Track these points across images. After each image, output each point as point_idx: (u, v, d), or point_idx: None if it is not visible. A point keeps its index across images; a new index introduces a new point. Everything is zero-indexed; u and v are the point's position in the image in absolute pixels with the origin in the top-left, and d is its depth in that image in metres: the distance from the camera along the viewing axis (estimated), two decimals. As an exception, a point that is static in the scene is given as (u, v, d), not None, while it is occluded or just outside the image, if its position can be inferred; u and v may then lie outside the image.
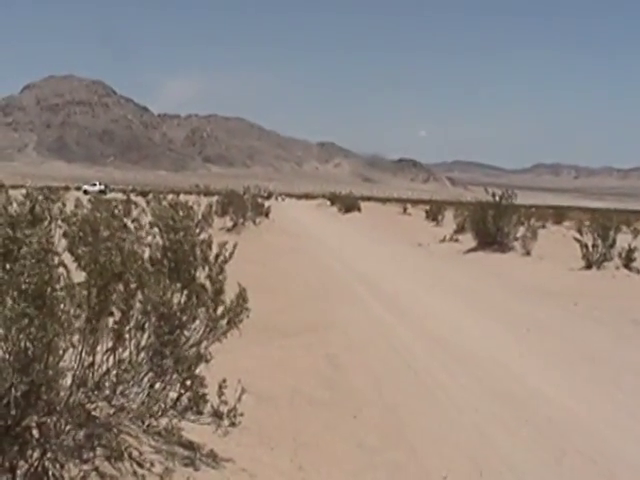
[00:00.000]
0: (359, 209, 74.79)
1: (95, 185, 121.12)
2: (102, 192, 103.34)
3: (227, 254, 5.83)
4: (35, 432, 4.76)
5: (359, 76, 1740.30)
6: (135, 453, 5.32)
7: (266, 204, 50.94)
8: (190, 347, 5.56)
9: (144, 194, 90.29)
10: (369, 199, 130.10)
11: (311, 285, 18.17)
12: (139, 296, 5.29)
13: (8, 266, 4.38)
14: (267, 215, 47.48)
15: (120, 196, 74.66)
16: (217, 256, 5.71)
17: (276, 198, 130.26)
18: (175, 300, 5.47)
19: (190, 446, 5.93)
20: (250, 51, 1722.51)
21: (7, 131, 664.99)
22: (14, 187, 59.70)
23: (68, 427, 4.82)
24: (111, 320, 5.15)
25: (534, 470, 7.04)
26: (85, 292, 4.65)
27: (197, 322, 5.67)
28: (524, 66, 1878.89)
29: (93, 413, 5.21)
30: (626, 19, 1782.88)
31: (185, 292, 5.54)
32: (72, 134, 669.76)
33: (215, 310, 5.64)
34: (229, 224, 37.07)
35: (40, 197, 4.92)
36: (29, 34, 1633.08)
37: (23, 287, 4.24)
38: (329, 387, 9.16)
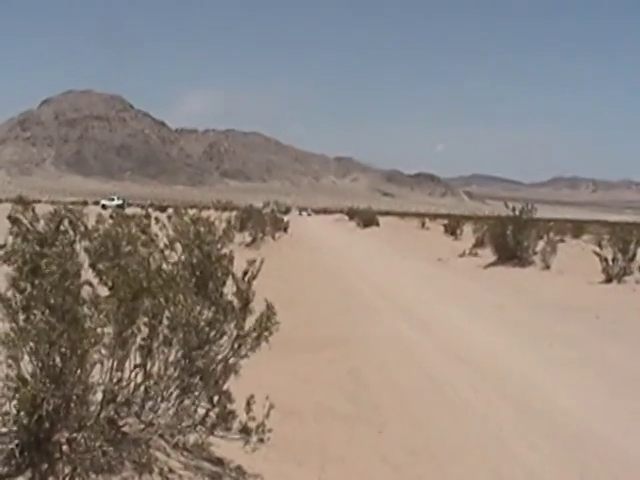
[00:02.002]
0: (377, 224, 74.78)
1: (113, 200, 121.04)
2: (120, 207, 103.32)
3: (255, 270, 5.82)
4: (65, 448, 4.78)
5: (377, 92, 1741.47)
6: (165, 469, 5.33)
7: (285, 219, 51.00)
8: (218, 362, 5.56)
9: (162, 209, 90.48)
10: (387, 214, 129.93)
11: (332, 300, 18.15)
12: (166, 312, 5.30)
13: (37, 282, 4.40)
14: (285, 230, 47.57)
15: (139, 211, 74.83)
16: (245, 272, 5.71)
17: (300, 213, 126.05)
18: (202, 316, 5.47)
19: (218, 462, 5.93)
20: (267, 66, 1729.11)
21: (25, 146, 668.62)
22: (34, 202, 59.93)
23: (98, 443, 4.83)
24: (139, 336, 5.16)
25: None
26: (113, 306, 4.66)
27: (225, 338, 5.67)
28: (540, 80, 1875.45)
29: (123, 429, 5.22)
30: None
31: (212, 308, 5.53)
32: (90, 148, 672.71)
33: (242, 325, 5.64)
34: (248, 239, 37.09)
35: (65, 213, 4.94)
36: (47, 49, 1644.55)
37: (51, 302, 4.26)
38: (353, 402, 9.15)
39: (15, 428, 4.86)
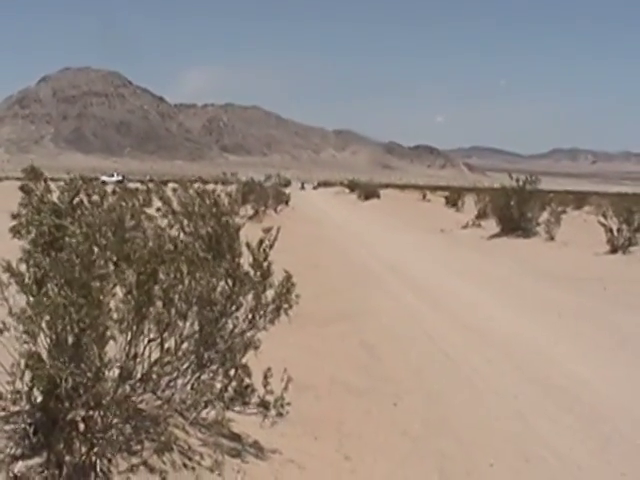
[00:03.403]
0: (378, 196, 74.56)
1: (113, 176, 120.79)
2: (120, 182, 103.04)
3: (271, 239, 5.67)
4: (81, 426, 4.65)
5: (375, 63, 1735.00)
6: (184, 446, 5.22)
7: (286, 192, 50.87)
8: (237, 336, 5.43)
9: (163, 183, 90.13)
10: (387, 186, 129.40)
11: (339, 273, 18.05)
12: (181, 285, 5.15)
13: (53, 254, 4.25)
14: (287, 203, 47.42)
15: (140, 186, 74.57)
16: (261, 242, 5.56)
17: (302, 186, 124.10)
18: (219, 288, 5.34)
19: (236, 437, 5.82)
20: (266, 40, 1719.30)
21: (24, 123, 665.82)
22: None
23: (115, 421, 4.70)
24: (153, 310, 5.01)
25: (578, 456, 6.91)
26: (133, 280, 4.50)
27: (242, 310, 5.54)
28: (539, 51, 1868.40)
29: (139, 406, 5.09)
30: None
31: (229, 280, 5.39)
32: (89, 125, 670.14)
33: (260, 297, 5.50)
34: (250, 212, 36.89)
35: (82, 185, 4.77)
36: (45, 26, 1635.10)
37: (71, 276, 4.12)
38: (367, 375, 9.06)
39: (28, 407, 4.73)
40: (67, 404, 4.38)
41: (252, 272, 5.50)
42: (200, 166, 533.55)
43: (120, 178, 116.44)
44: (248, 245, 5.56)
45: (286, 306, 5.62)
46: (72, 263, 4.06)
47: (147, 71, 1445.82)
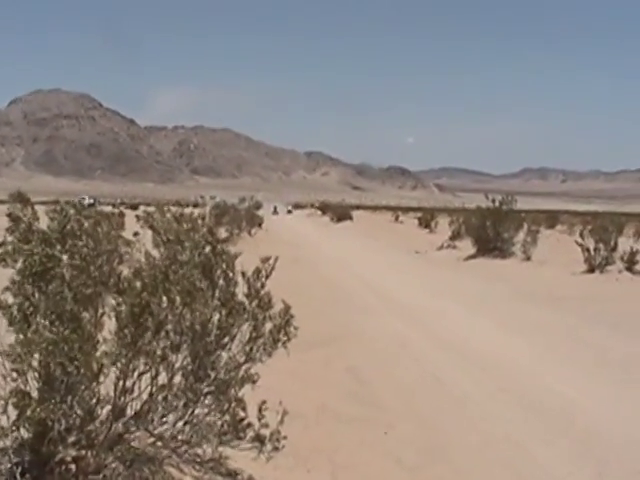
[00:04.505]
0: (351, 218, 74.66)
1: (84, 199, 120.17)
2: (92, 206, 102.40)
3: (268, 268, 5.48)
4: (72, 467, 4.42)
5: (345, 85, 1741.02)
6: (180, 487, 5.00)
7: (260, 214, 50.91)
8: (232, 369, 5.22)
9: (133, 207, 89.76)
10: (358, 207, 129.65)
11: (319, 297, 17.85)
12: (175, 316, 4.93)
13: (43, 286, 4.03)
14: (260, 225, 47.40)
15: (111, 209, 74.14)
16: (259, 271, 5.37)
17: (275, 211, 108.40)
18: (214, 318, 5.13)
19: (231, 474, 5.60)
20: (235, 63, 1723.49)
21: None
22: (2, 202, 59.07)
23: (109, 461, 4.46)
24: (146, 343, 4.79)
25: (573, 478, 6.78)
26: (127, 313, 4.27)
27: (236, 342, 5.33)
28: (509, 70, 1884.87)
29: (132, 444, 4.86)
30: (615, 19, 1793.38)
31: (223, 310, 5.18)
32: (59, 148, 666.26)
33: (259, 328, 5.30)
34: (223, 235, 36.65)
35: (72, 212, 4.55)
36: (15, 49, 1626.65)
37: (59, 309, 3.90)
38: (356, 402, 8.86)
39: (14, 445, 4.49)
40: (58, 444, 4.14)
41: (247, 302, 5.30)
42: (170, 188, 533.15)
43: (92, 201, 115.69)
44: (243, 274, 5.37)
45: (285, 338, 5.43)
46: (64, 296, 3.85)
47: (117, 93, 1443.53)
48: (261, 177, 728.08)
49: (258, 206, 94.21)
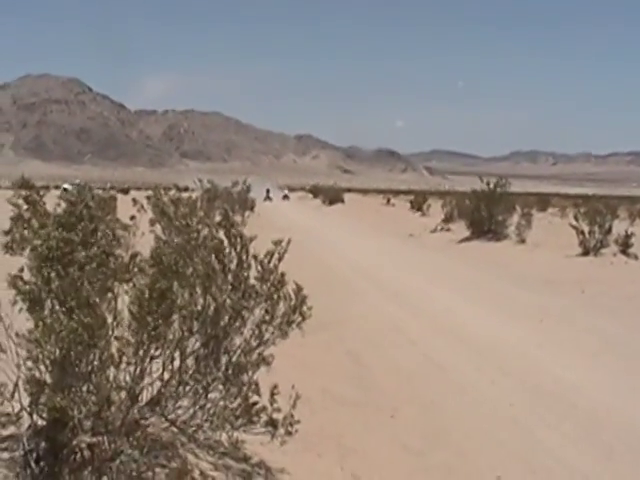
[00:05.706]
0: (343, 201, 74.56)
1: (78, 183, 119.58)
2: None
3: (281, 251, 5.47)
4: (87, 453, 4.38)
5: (335, 68, 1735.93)
6: (195, 471, 4.97)
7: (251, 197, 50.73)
8: (247, 352, 5.20)
9: (124, 191, 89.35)
10: (349, 190, 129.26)
11: (313, 281, 17.61)
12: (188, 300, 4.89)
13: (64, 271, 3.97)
14: (252, 209, 47.27)
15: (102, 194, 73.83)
16: (272, 254, 5.35)
17: (267, 195, 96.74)
18: (227, 302, 5.10)
19: (244, 458, 5.59)
20: (225, 45, 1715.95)
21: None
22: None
23: (124, 447, 4.42)
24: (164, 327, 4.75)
25: (585, 466, 6.78)
26: (147, 298, 4.23)
27: (249, 325, 5.31)
28: (498, 53, 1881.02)
29: (148, 430, 4.83)
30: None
31: (237, 294, 5.15)
32: (49, 133, 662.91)
33: (274, 310, 5.28)
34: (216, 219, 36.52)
35: (90, 196, 4.50)
36: (2, 34, 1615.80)
37: (78, 295, 3.85)
38: (359, 386, 8.88)
39: (28, 432, 4.46)
40: (77, 431, 4.11)
41: (259, 285, 5.28)
42: (161, 173, 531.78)
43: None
44: (255, 257, 5.34)
45: (300, 319, 5.42)
46: (81, 281, 3.80)
47: (107, 77, 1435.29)
48: (251, 161, 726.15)
49: (249, 189, 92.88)
